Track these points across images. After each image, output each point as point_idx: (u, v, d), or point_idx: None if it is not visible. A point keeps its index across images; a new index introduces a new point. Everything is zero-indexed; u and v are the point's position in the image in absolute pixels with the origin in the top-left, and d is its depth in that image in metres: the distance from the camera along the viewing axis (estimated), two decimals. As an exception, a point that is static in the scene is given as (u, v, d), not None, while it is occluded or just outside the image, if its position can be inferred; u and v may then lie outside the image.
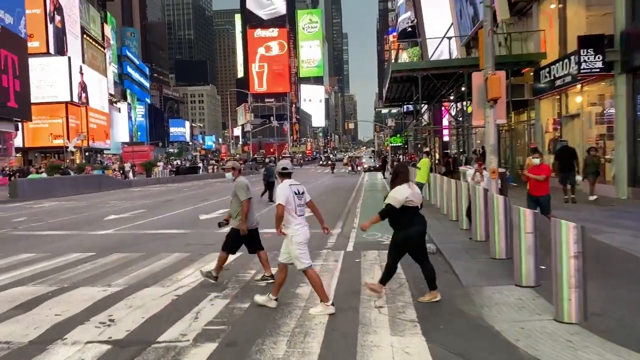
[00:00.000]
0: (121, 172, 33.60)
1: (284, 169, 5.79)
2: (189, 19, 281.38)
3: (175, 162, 50.55)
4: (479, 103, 9.55)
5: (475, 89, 9.59)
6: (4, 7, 48.98)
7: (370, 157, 68.23)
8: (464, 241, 9.06)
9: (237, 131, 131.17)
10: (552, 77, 19.58)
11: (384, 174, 36.69)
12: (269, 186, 18.78)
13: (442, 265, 7.65)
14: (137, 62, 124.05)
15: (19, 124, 59.40)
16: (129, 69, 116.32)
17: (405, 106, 35.85)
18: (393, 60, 42.41)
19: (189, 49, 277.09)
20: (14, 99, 49.44)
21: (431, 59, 32.37)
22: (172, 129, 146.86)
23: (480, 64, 9.63)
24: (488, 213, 8.79)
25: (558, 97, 20.15)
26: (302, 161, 75.55)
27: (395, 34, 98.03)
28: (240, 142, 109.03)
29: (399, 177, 6.05)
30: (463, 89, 25.15)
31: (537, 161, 9.05)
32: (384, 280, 6.06)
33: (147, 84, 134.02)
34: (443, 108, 38.19)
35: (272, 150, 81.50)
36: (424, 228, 6.13)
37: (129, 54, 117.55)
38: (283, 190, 5.57)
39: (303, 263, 5.63)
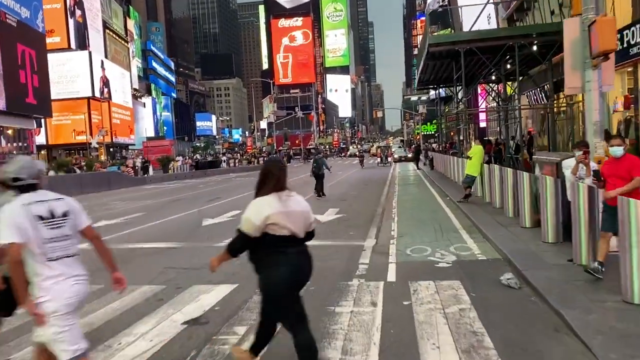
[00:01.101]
0: (133, 168, 31.47)
1: (15, 179, 3.04)
2: (214, 12, 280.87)
3: (195, 157, 48.38)
4: (575, 63, 6.62)
5: (568, 44, 6.66)
6: (20, 1, 47.42)
7: (400, 147, 64.94)
8: (561, 266, 6.13)
9: (264, 124, 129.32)
10: (624, 45, 16.29)
11: (417, 165, 33.59)
12: (318, 179, 17.58)
13: (541, 312, 4.79)
14: (162, 56, 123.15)
15: (42, 121, 58.60)
16: (154, 64, 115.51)
17: (440, 90, 32.52)
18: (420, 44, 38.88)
19: (214, 42, 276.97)
20: (33, 95, 48.12)
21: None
22: (198, 123, 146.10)
23: (575, 7, 6.66)
24: (596, 224, 5.89)
25: (631, 68, 16.83)
26: (327, 152, 72.25)
27: (423, 18, 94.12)
28: (266, 135, 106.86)
29: (267, 180, 3.48)
30: (509, 66, 21.99)
31: (619, 152, 5.51)
32: (256, 347, 3.70)
33: (172, 78, 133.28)
34: (480, 90, 34.86)
35: (297, 142, 78.73)
36: (301, 276, 3.46)
37: (153, 48, 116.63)
38: (11, 216, 2.90)
39: (65, 350, 2.95)
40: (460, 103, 24.48)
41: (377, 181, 23.56)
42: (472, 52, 18.56)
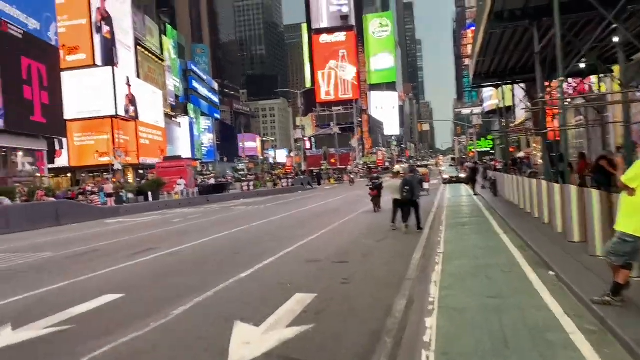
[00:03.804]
0: (102, 194, 24.98)
1: None
2: (261, 34, 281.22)
3: (199, 180, 41.96)
4: None
5: None
6: (28, 12, 43.00)
7: (451, 165, 56.43)
8: None
9: (309, 143, 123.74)
10: None
11: (474, 189, 25.43)
12: (413, 206, 12.93)
13: None
14: (204, 77, 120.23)
15: (63, 142, 54.44)
16: (195, 84, 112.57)
17: (502, 87, 24.27)
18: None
19: (261, 64, 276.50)
20: (41, 112, 43.30)
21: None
22: (242, 144, 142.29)
23: None
24: None
25: None
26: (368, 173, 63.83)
27: (474, 28, 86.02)
28: (308, 154, 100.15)
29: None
30: (617, 39, 14.01)
31: None
32: None
33: (215, 99, 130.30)
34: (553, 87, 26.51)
35: (332, 160, 71.30)
36: None
37: (194, 68, 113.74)
38: None
39: None
40: (546, 92, 16.48)
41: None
42: (570, 6, 10.86)
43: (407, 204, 12.94)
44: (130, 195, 31.79)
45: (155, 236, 14.63)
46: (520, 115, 45.37)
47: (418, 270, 7.88)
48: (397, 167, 54.59)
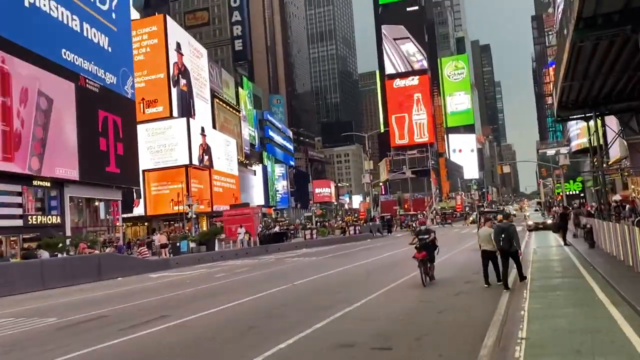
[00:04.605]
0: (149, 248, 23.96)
1: None
2: (335, 83, 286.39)
3: (261, 229, 40.41)
4: None
5: None
6: (104, 66, 44.87)
7: (537, 210, 51.57)
8: None
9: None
10: None
11: (564, 237, 21.75)
12: (511, 257, 11.09)
13: None
14: (280, 126, 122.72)
15: (141, 192, 55.80)
16: (271, 133, 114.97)
17: (596, 119, 20.80)
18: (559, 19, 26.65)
19: (336, 112, 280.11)
20: (116, 163, 44.24)
21: None
22: (316, 190, 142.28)
23: None
24: None
25: None
26: (444, 218, 59.91)
27: (555, 65, 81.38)
28: (382, 199, 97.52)
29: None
30: None
31: None
32: None
33: (290, 147, 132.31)
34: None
35: (406, 206, 67.96)
36: None
37: (270, 118, 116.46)
38: None
39: None
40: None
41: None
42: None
43: (508, 256, 11.06)
44: (193, 245, 30.91)
45: (180, 297, 12.79)
46: (615, 153, 40.55)
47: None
48: (473, 216, 49.52)
